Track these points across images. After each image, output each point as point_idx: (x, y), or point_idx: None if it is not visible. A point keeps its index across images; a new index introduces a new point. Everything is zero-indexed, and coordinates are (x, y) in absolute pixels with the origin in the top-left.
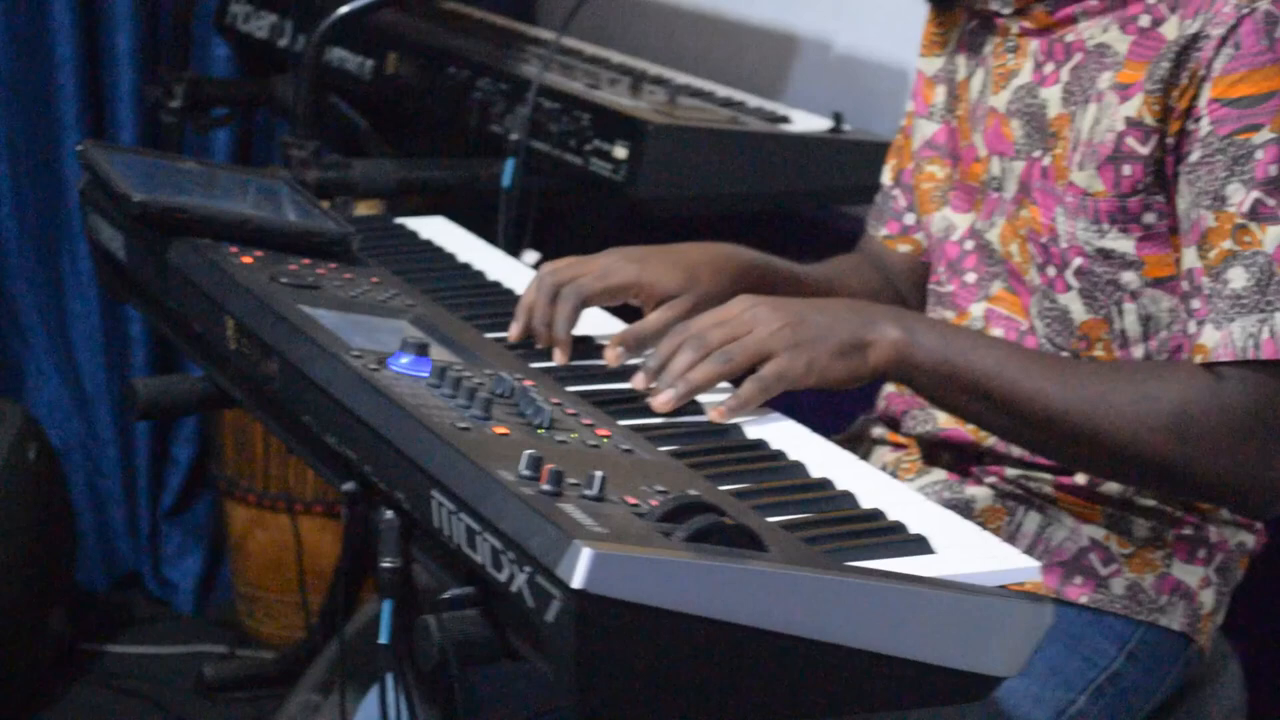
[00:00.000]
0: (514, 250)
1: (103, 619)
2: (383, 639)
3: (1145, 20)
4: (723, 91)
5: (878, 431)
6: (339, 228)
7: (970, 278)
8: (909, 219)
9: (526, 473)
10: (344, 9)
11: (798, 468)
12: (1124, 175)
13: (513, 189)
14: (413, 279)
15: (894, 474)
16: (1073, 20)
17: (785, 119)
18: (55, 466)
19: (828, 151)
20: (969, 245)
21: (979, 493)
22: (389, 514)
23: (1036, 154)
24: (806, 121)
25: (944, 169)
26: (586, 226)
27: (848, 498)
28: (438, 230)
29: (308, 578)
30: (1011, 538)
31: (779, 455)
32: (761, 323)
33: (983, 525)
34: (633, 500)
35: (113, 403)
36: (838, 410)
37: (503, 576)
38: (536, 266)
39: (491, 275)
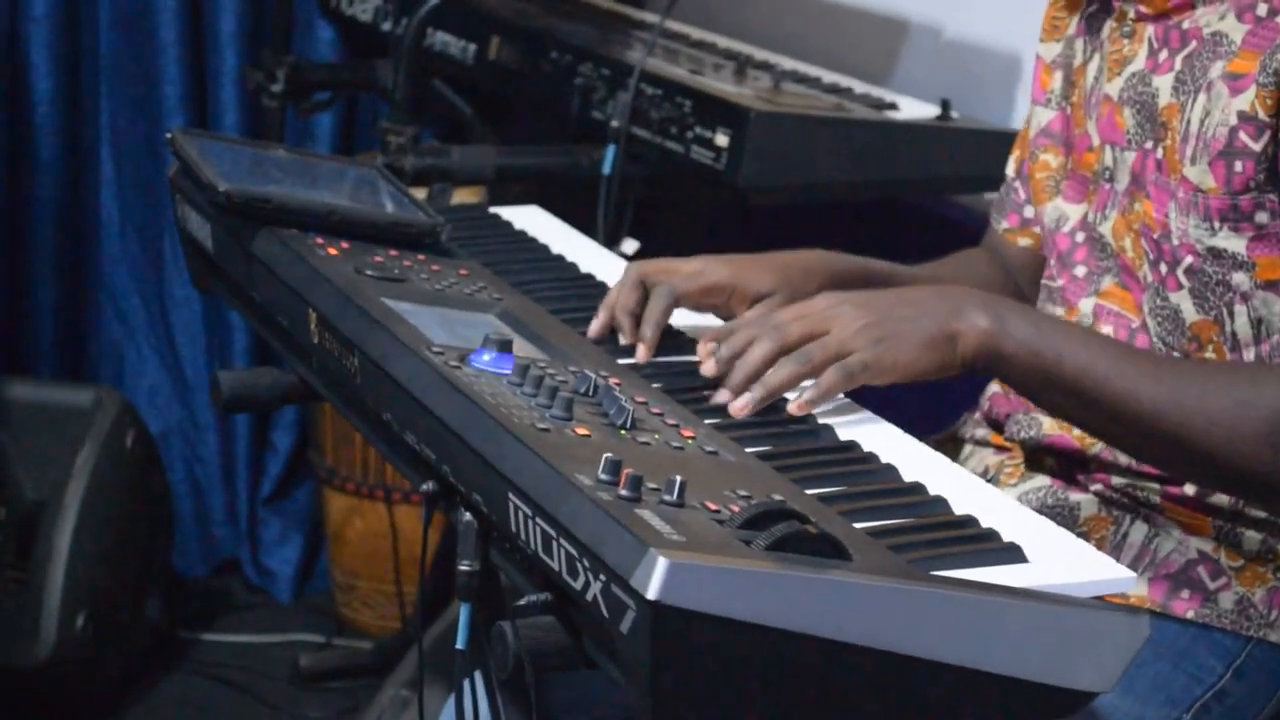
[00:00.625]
0: (614, 239)
1: (200, 607)
2: (460, 644)
3: (1263, 9)
4: (829, 77)
5: (980, 433)
6: (429, 218)
7: (1080, 271)
8: (1029, 211)
9: (605, 477)
10: None
11: (889, 471)
12: (1236, 172)
13: (613, 176)
14: (503, 271)
15: (995, 478)
16: (1190, 6)
17: (892, 106)
18: (153, 453)
19: (935, 139)
20: (1080, 237)
21: (1084, 500)
22: (467, 516)
23: (1148, 145)
24: (914, 109)
25: (1058, 158)
26: (688, 215)
27: (940, 503)
28: (532, 220)
29: (404, 568)
30: (1117, 548)
31: (870, 458)
32: (844, 320)
33: (1087, 534)
34: (714, 506)
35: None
36: (939, 410)
37: (578, 584)
38: (636, 256)
39: (585, 268)
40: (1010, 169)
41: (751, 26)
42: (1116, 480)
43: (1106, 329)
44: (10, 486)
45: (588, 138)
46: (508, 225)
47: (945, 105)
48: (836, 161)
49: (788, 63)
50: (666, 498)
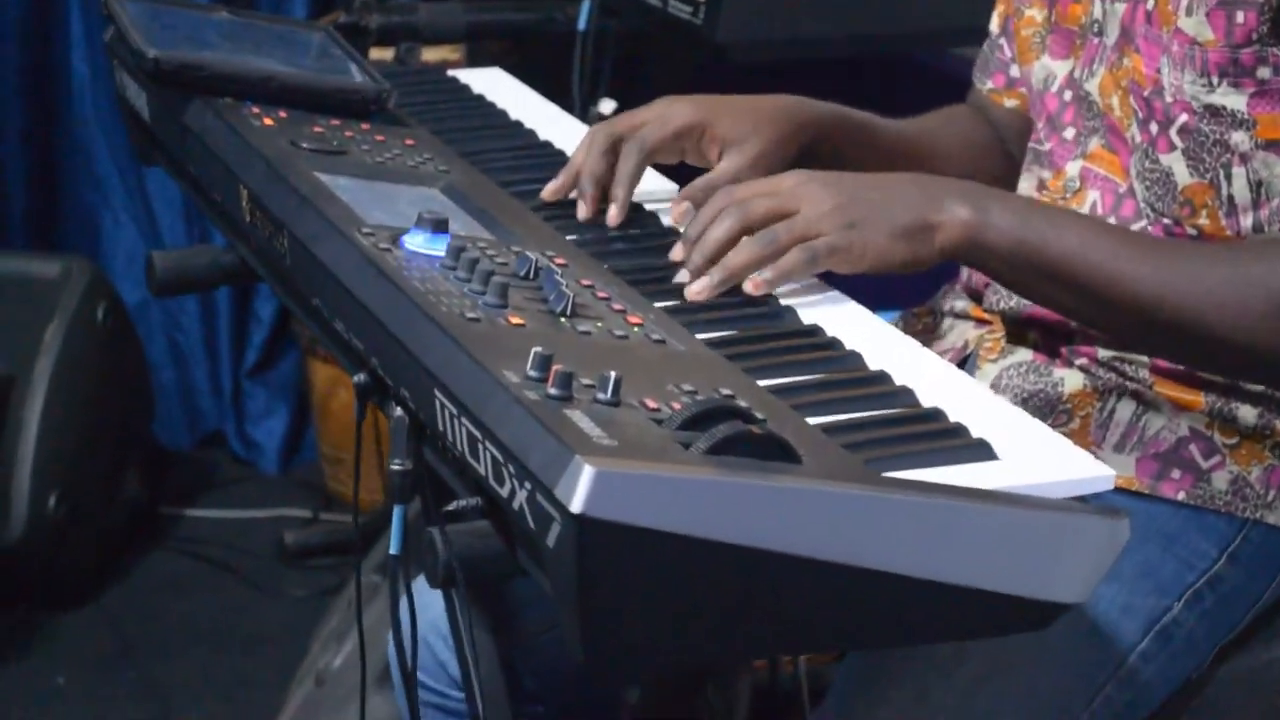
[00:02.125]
0: (591, 99)
1: (184, 481)
2: (393, 548)
3: None
4: None
5: (960, 305)
6: (374, 84)
7: (1069, 133)
8: (1014, 71)
9: (533, 373)
10: None
11: (853, 359)
12: (1237, 23)
13: (588, 32)
14: (455, 139)
15: (975, 353)
16: None
17: None
18: (128, 325)
19: None
20: (1067, 96)
21: (1068, 376)
22: (398, 411)
23: None
24: None
25: (1042, 11)
26: (669, 73)
27: (906, 394)
28: (493, 84)
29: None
30: (1102, 426)
31: (834, 344)
32: (813, 200)
33: (1071, 412)
34: (653, 404)
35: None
36: (919, 280)
37: (504, 491)
38: (613, 115)
39: (543, 134)
40: (994, 24)
41: None
42: (1103, 354)
43: (1093, 194)
44: None
45: None
46: (466, 89)
47: None
48: (824, 13)
49: None
50: (600, 396)
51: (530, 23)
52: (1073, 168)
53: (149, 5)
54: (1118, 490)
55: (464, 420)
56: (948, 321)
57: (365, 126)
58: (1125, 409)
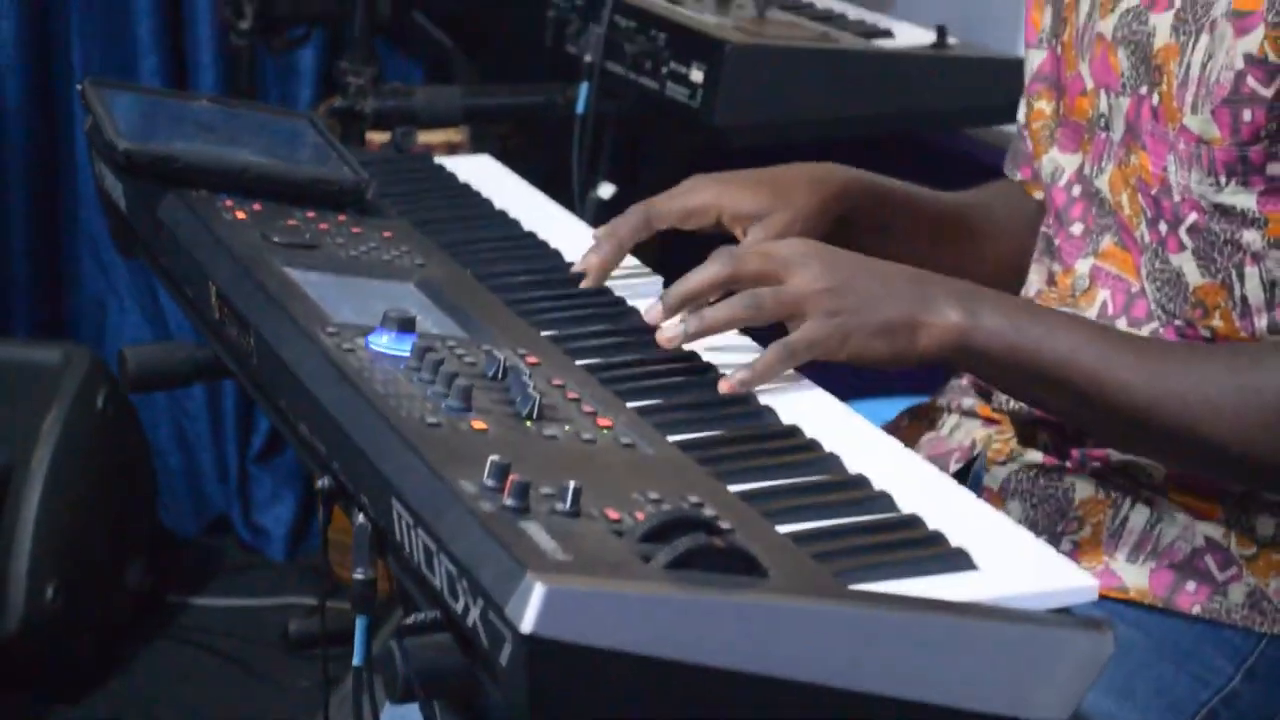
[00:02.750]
0: (590, 181)
1: (191, 567)
2: (356, 659)
3: None
4: (823, 3)
5: (968, 402)
6: (353, 175)
7: (1076, 229)
8: (1037, 125)
9: (490, 483)
10: None
11: (832, 461)
12: (1244, 121)
13: (587, 116)
14: (436, 230)
15: (984, 453)
16: None
17: (886, 33)
18: (129, 411)
19: (929, 69)
20: (1075, 191)
21: (1079, 481)
22: (361, 518)
23: (1143, 90)
24: (910, 35)
25: (1051, 103)
26: (667, 157)
27: (884, 500)
28: (481, 171)
29: None
30: (1115, 535)
31: (812, 445)
32: (805, 274)
33: (1082, 520)
34: (615, 514)
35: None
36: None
37: (459, 606)
38: (612, 200)
39: (528, 225)
40: (1020, 114)
41: None
42: (1115, 459)
43: (1103, 293)
44: None
45: (565, 74)
46: (452, 178)
47: (941, 32)
48: (822, 96)
49: None
50: (559, 506)
51: (528, 106)
52: (1083, 265)
53: (127, 94)
54: (1131, 603)
55: (420, 531)
56: (954, 419)
57: (342, 218)
58: (1139, 517)
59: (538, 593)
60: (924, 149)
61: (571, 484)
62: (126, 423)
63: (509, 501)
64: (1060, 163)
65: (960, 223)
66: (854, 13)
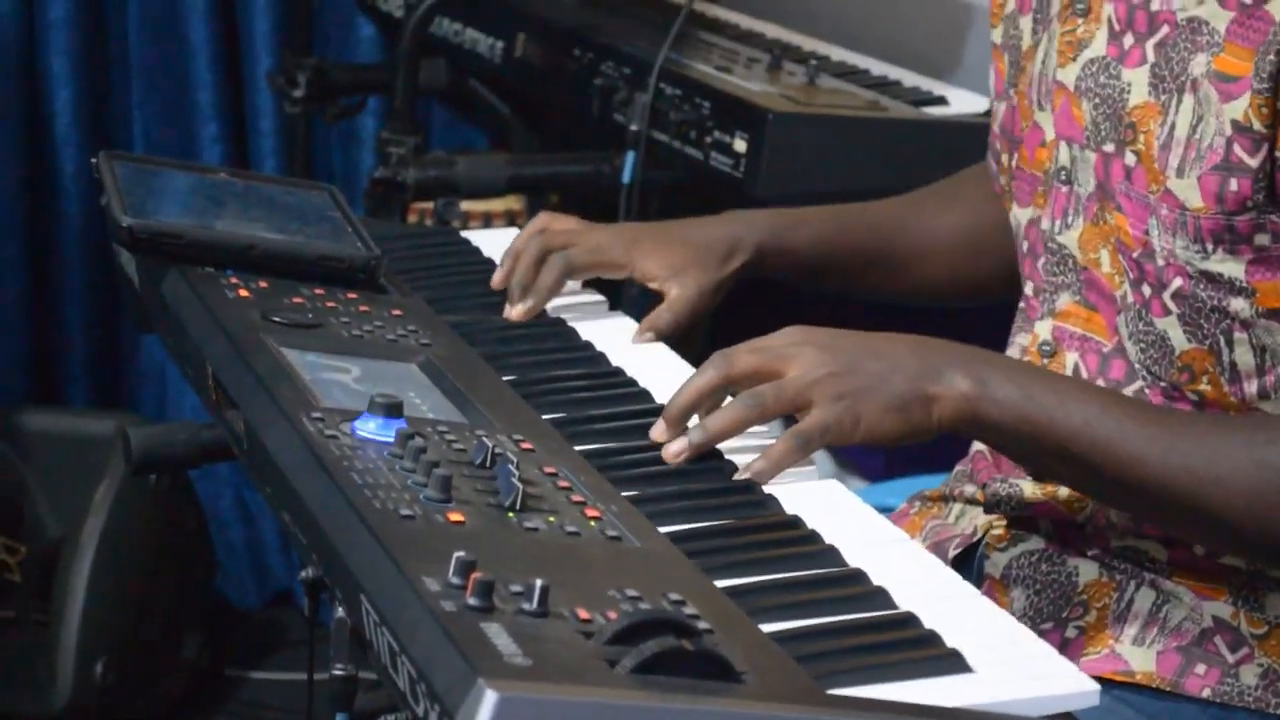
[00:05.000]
0: None
1: (252, 640)
2: None
3: None
4: (879, 69)
5: (970, 490)
6: (365, 252)
7: (1028, 288)
8: (1003, 180)
9: (455, 580)
10: None
11: (831, 555)
12: (1230, 190)
13: (633, 185)
14: (449, 308)
15: (985, 540)
16: None
17: (940, 100)
18: (184, 484)
19: (981, 136)
20: (1024, 247)
21: (1082, 565)
22: (340, 612)
23: (1109, 148)
24: (965, 102)
25: (1008, 155)
26: None
27: (880, 597)
28: (506, 247)
29: None
30: (1120, 618)
31: (812, 538)
32: (803, 363)
33: (1087, 604)
34: (585, 614)
35: None
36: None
37: (420, 711)
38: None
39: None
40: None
41: (815, 13)
42: (1116, 543)
43: (1073, 356)
44: (32, 523)
45: (613, 142)
46: (476, 252)
47: None
48: (870, 165)
49: (836, 54)
50: (525, 606)
51: (574, 175)
52: (1043, 328)
53: (142, 167)
54: (1139, 687)
55: (384, 630)
56: (958, 507)
57: (351, 296)
58: (1144, 599)
59: (489, 700)
60: None
61: (539, 582)
62: (182, 495)
63: (472, 601)
64: (1018, 217)
65: (892, 241)
66: (910, 79)
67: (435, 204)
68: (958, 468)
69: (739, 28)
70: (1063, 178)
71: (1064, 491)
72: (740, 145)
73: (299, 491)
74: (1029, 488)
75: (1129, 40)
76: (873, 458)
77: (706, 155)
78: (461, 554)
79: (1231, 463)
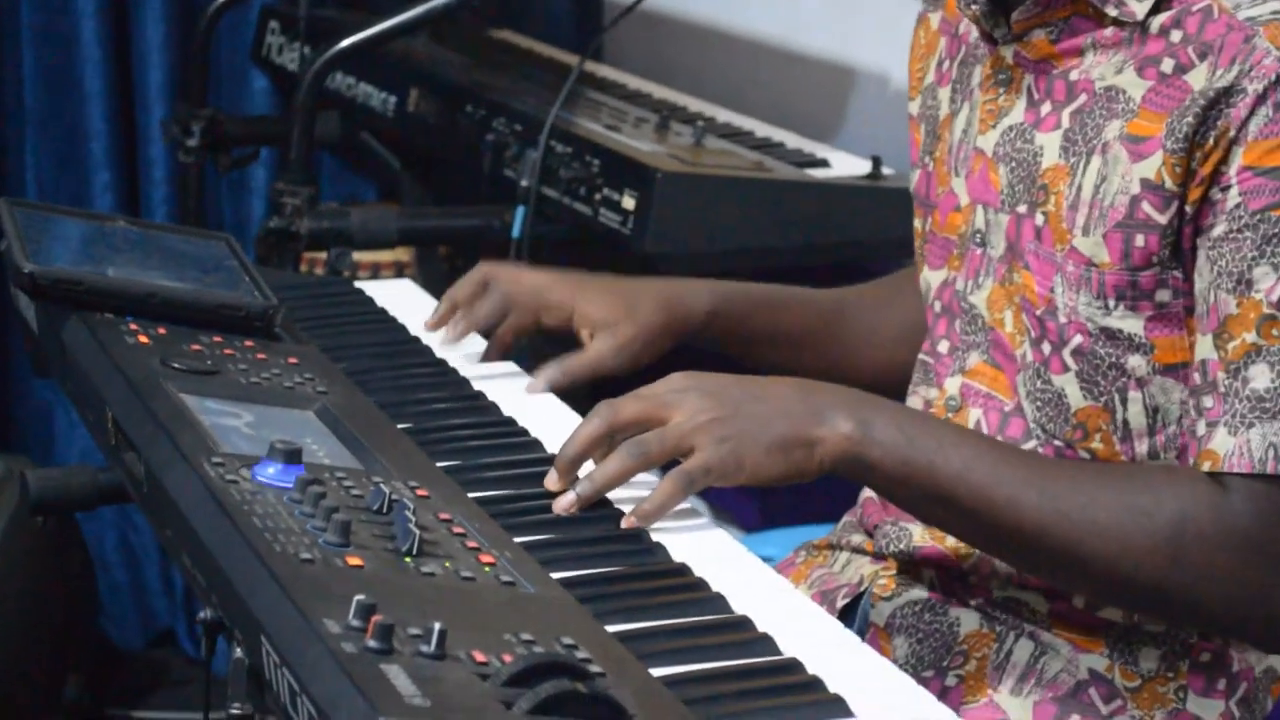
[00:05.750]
0: None
1: (136, 680)
2: None
3: (1168, 65)
4: (763, 130)
5: (856, 539)
6: (262, 300)
7: (943, 346)
8: (916, 243)
9: (355, 623)
10: (345, 42)
11: (718, 602)
12: (1136, 246)
13: (522, 240)
14: (344, 356)
15: (871, 590)
16: (1079, 53)
17: (823, 162)
18: (70, 526)
19: (862, 200)
20: (937, 307)
21: (964, 615)
22: (238, 652)
23: (1022, 209)
24: (846, 165)
25: (921, 219)
26: None
27: (766, 643)
28: (400, 297)
29: None
30: (999, 668)
31: (699, 585)
32: (687, 409)
33: (967, 654)
34: (481, 657)
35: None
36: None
37: None
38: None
39: (439, 352)
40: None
41: (703, 75)
42: (998, 594)
43: (976, 412)
44: None
45: (505, 196)
46: (369, 302)
47: (876, 162)
48: (752, 225)
49: (722, 115)
50: (424, 648)
51: (465, 229)
52: (952, 384)
53: (42, 214)
54: None
55: (285, 670)
56: (845, 556)
57: (249, 343)
58: (1023, 650)
59: None
60: (856, 279)
61: (437, 625)
62: (68, 536)
63: (372, 643)
64: (930, 279)
65: (834, 326)
66: (793, 141)
67: (328, 254)
68: (845, 518)
69: (626, 87)
70: (977, 240)
71: (951, 538)
72: (629, 202)
73: (200, 534)
74: (918, 530)
75: (1046, 108)
76: (748, 508)
77: (595, 211)
78: (361, 597)
79: (1105, 508)
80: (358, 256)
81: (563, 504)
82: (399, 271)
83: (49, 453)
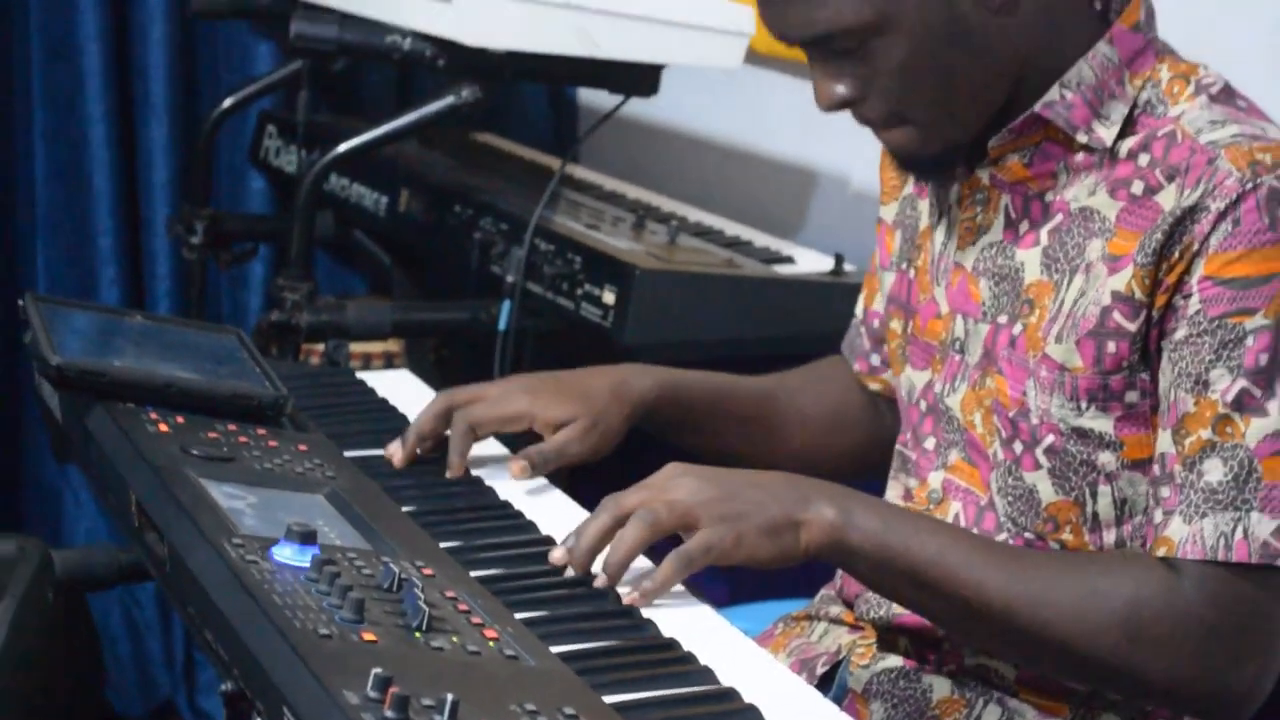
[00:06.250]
0: None
1: None
2: None
3: (1138, 187)
4: (732, 229)
5: (835, 610)
6: (273, 391)
7: (929, 444)
8: (875, 359)
9: (373, 694)
10: (342, 147)
11: (704, 675)
12: (1108, 352)
13: (508, 332)
14: (350, 443)
15: (849, 658)
16: (1052, 175)
17: (789, 259)
18: (80, 602)
19: (826, 294)
20: (923, 406)
21: (936, 682)
22: None
23: (1003, 320)
24: (810, 262)
25: (900, 322)
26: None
27: (751, 713)
28: (398, 387)
29: None
30: None
31: (687, 658)
32: (688, 489)
33: (939, 718)
34: None
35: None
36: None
37: None
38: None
39: None
40: (858, 309)
41: (673, 176)
42: (969, 660)
43: (955, 505)
44: None
45: (490, 291)
46: (371, 392)
47: (839, 259)
48: (724, 318)
49: (694, 214)
50: (438, 718)
51: (454, 321)
52: (935, 478)
53: (65, 309)
54: None
55: None
56: (823, 626)
57: (261, 431)
58: (991, 715)
59: None
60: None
61: (450, 697)
62: (77, 613)
63: (389, 714)
64: (914, 380)
65: (761, 413)
66: (760, 239)
67: (326, 345)
68: (823, 591)
69: (603, 189)
70: (956, 347)
71: None
72: (609, 297)
73: (224, 611)
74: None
75: (1024, 226)
76: (717, 587)
77: (577, 305)
78: (379, 670)
79: (1066, 589)
80: (351, 347)
81: (626, 598)
82: (388, 361)
83: (57, 533)
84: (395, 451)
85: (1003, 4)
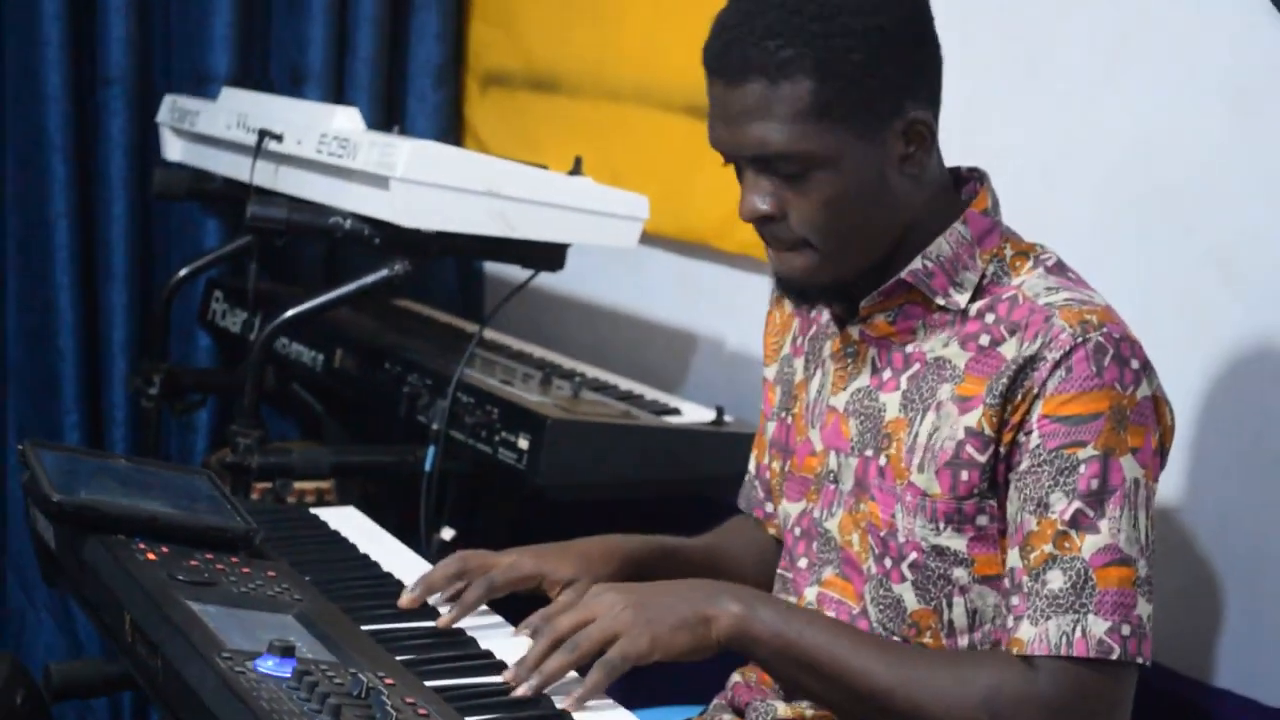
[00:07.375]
0: (434, 526)
1: None
2: None
3: (985, 339)
4: (625, 384)
5: (727, 718)
6: (244, 525)
7: (803, 563)
8: (769, 507)
9: None
10: (290, 312)
11: None
12: (961, 480)
13: (433, 473)
14: (310, 570)
15: None
16: (912, 332)
17: (676, 410)
18: (43, 710)
19: (709, 442)
20: (797, 532)
21: None
22: None
23: (869, 453)
24: (695, 413)
25: (779, 461)
26: (498, 508)
27: None
28: (346, 521)
29: None
30: None
31: None
32: (604, 605)
33: None
34: None
35: (102, 651)
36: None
37: None
38: (452, 542)
39: (385, 566)
40: (751, 466)
41: (570, 337)
42: None
43: (830, 614)
44: None
45: (415, 438)
46: (324, 525)
47: (719, 411)
48: (623, 462)
49: (592, 371)
50: None
51: (384, 463)
52: (810, 592)
53: (59, 454)
54: None
55: None
56: None
57: (235, 560)
58: None
59: None
60: (706, 507)
61: None
62: (41, 717)
63: None
64: (789, 510)
65: (710, 562)
66: (650, 393)
67: (274, 484)
68: (715, 700)
69: (511, 349)
70: (831, 479)
71: (810, 711)
72: (523, 444)
73: (216, 714)
74: (781, 706)
75: (887, 374)
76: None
77: (495, 450)
78: None
79: (938, 675)
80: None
81: (519, 693)
82: (319, 497)
83: (19, 648)
84: (404, 600)
85: (915, 173)
